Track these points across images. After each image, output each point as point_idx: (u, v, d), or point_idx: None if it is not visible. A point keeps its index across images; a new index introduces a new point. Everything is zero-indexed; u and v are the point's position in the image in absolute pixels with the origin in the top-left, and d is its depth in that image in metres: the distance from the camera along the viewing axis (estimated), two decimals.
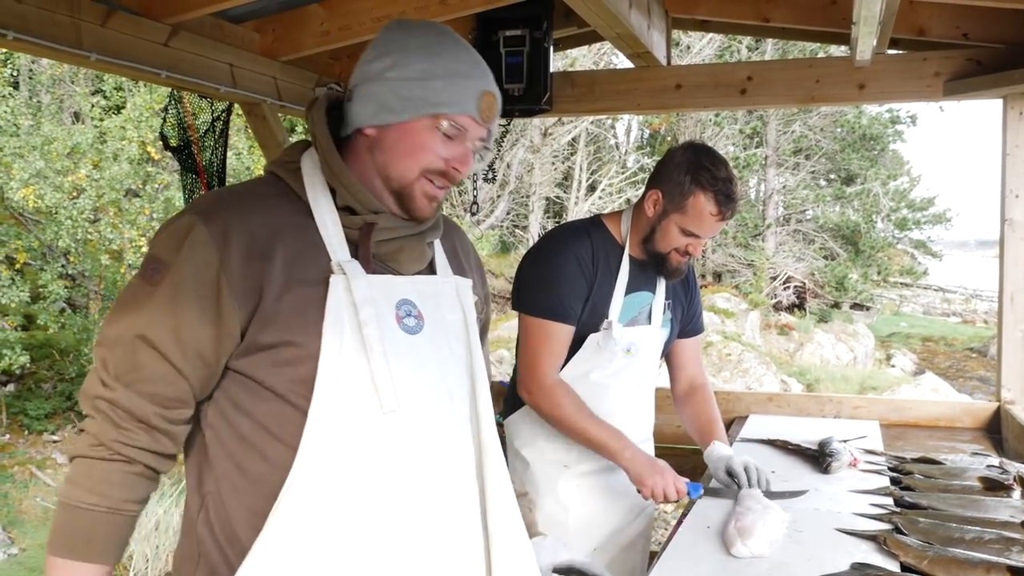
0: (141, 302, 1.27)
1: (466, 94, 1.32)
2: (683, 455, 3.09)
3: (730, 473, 2.26)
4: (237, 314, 1.26)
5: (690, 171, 2.22)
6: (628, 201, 16.82)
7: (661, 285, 2.43)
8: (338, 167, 1.34)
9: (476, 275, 1.58)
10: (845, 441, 2.67)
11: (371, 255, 1.33)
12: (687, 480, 2.20)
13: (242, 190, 1.38)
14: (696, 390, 2.61)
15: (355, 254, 1.32)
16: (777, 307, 19.56)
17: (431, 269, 1.46)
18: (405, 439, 1.31)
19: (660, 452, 2.47)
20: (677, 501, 2.21)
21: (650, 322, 2.42)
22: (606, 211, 2.55)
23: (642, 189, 2.42)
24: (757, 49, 18.94)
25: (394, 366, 1.29)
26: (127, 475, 1.27)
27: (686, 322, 2.58)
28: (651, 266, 2.36)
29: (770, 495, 2.22)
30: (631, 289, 2.36)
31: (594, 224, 2.41)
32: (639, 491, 2.22)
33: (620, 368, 2.37)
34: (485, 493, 1.42)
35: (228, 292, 1.25)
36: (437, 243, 1.50)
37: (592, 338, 2.32)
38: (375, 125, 1.33)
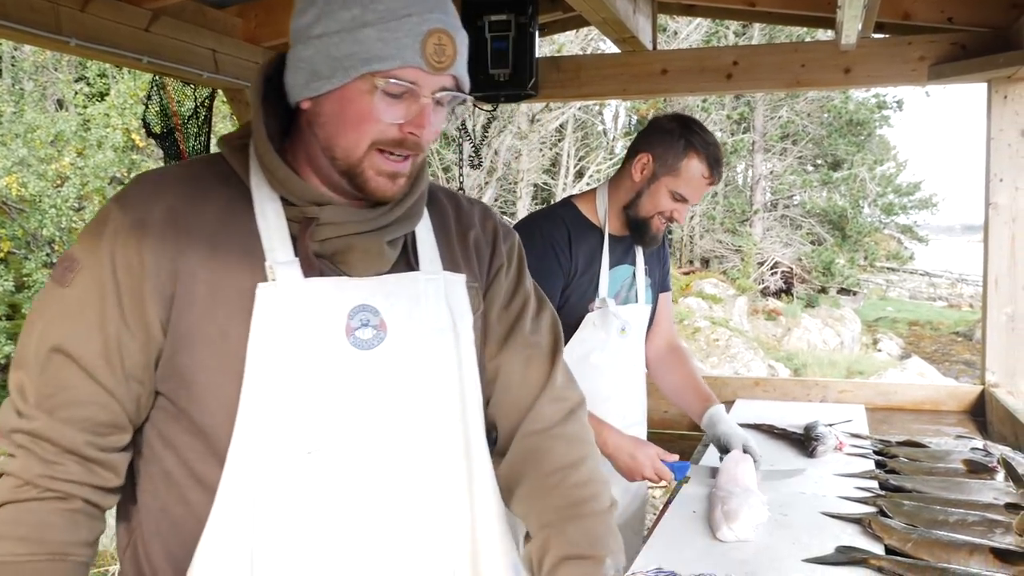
0: (54, 309, 1.07)
1: (405, 40, 1.04)
2: (670, 440, 3.09)
3: (725, 450, 2.26)
4: (158, 309, 1.07)
5: (683, 135, 2.25)
6: None
7: (639, 257, 2.44)
8: (263, 148, 1.11)
9: (500, 261, 1.33)
10: (831, 425, 2.67)
11: (311, 254, 1.11)
12: (674, 461, 2.18)
13: (176, 169, 1.18)
14: (675, 350, 2.62)
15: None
16: (764, 292, 19.65)
17: (409, 265, 1.20)
18: (335, 482, 1.11)
19: (648, 437, 2.46)
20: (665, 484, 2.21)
21: (637, 299, 2.43)
22: (577, 193, 2.54)
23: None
24: (744, 34, 18.94)
25: (332, 393, 1.10)
26: (66, 514, 1.05)
27: (659, 281, 2.59)
28: (630, 234, 2.36)
29: (767, 474, 2.22)
30: (612, 264, 2.36)
31: (566, 207, 2.40)
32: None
33: (616, 349, 2.36)
34: (476, 530, 1.24)
35: (150, 284, 1.06)
36: (425, 230, 1.24)
37: (588, 317, 2.31)
38: (309, 96, 1.10)
